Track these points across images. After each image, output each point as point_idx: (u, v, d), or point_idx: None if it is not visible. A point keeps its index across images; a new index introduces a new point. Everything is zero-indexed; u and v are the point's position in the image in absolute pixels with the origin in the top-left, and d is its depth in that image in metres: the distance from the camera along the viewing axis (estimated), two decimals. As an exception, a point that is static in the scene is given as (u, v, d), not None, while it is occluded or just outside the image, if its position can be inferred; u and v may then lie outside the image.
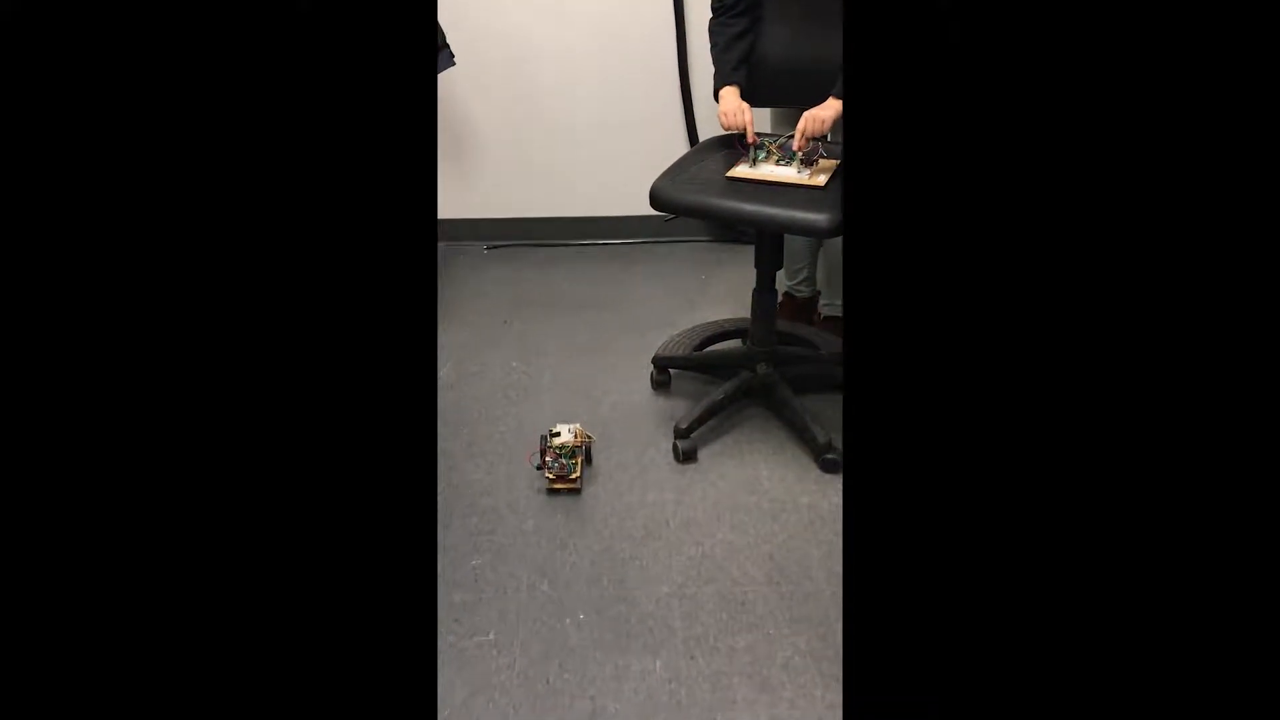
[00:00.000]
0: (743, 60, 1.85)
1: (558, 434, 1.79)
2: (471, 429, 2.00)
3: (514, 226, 2.87)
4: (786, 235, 1.95)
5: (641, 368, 2.18)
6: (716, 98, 1.85)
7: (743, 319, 2.15)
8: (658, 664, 1.42)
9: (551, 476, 1.77)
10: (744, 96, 1.84)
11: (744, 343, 2.17)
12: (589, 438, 1.85)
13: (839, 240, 2.14)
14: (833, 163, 1.79)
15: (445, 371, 2.23)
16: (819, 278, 2.31)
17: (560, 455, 1.76)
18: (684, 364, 2.16)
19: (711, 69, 1.91)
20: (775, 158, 1.80)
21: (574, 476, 1.77)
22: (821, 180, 1.73)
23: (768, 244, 1.86)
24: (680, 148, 2.51)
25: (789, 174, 1.76)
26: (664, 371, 2.13)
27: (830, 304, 2.29)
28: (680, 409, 2.00)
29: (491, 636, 1.47)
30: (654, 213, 1.80)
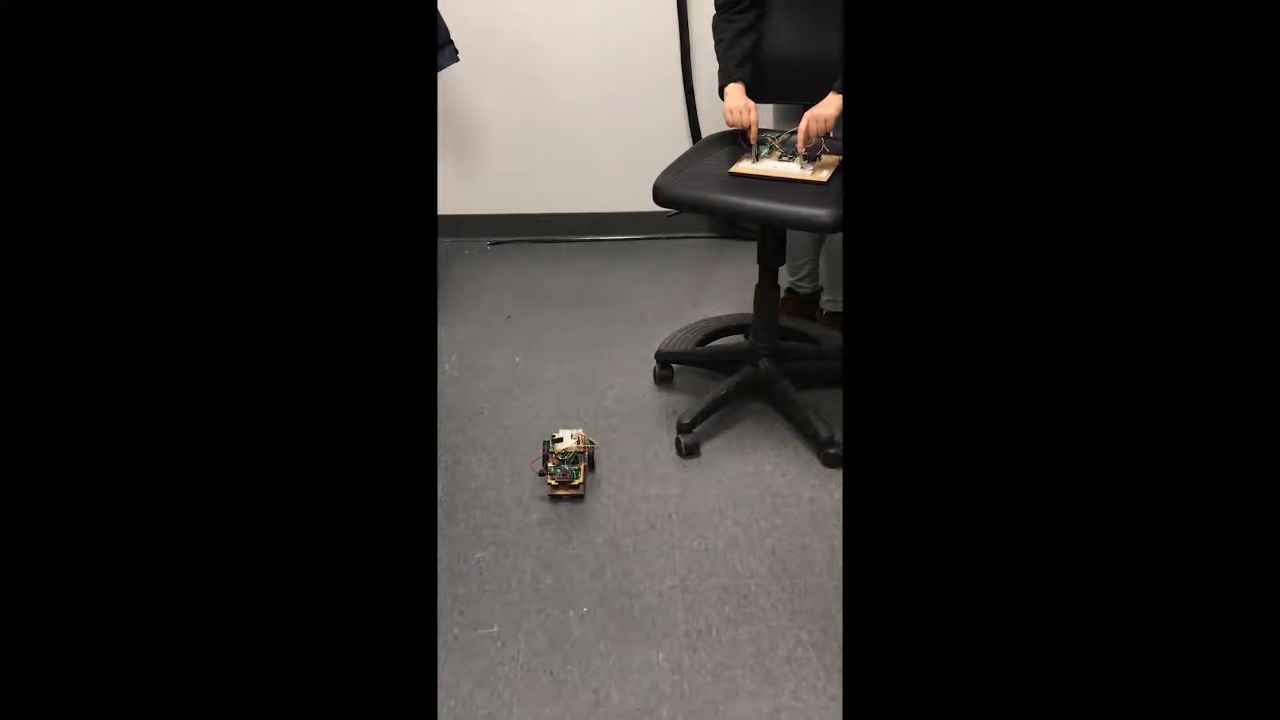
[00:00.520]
0: (747, 56, 1.86)
1: (559, 439, 1.78)
2: (475, 424, 2.01)
3: (517, 222, 2.88)
4: (789, 231, 1.96)
5: (644, 363, 2.19)
6: (721, 94, 1.86)
7: (745, 315, 2.16)
8: (660, 656, 1.43)
9: (554, 483, 1.75)
10: (748, 92, 1.85)
11: (746, 338, 2.18)
12: (591, 443, 1.83)
13: (841, 236, 2.15)
14: (835, 158, 1.79)
15: (448, 366, 2.23)
16: (821, 274, 2.32)
17: (563, 461, 1.75)
18: (687, 359, 2.17)
19: (714, 66, 1.91)
20: (778, 153, 1.81)
21: (576, 483, 1.75)
22: (824, 176, 1.73)
23: (770, 240, 1.87)
24: (683, 144, 2.52)
25: (792, 170, 1.76)
26: (667, 367, 2.14)
27: (832, 300, 2.29)
28: (683, 404, 2.01)
29: (495, 629, 1.48)
30: (656, 209, 1.81)
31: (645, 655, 1.43)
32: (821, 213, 1.62)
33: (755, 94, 1.86)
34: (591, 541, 1.66)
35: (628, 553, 1.64)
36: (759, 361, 1.97)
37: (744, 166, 1.79)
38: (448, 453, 1.91)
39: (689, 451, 1.88)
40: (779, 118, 2.09)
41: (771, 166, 1.78)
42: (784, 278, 2.22)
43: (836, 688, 1.37)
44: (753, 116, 1.81)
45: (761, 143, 1.82)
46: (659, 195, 1.76)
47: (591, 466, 1.83)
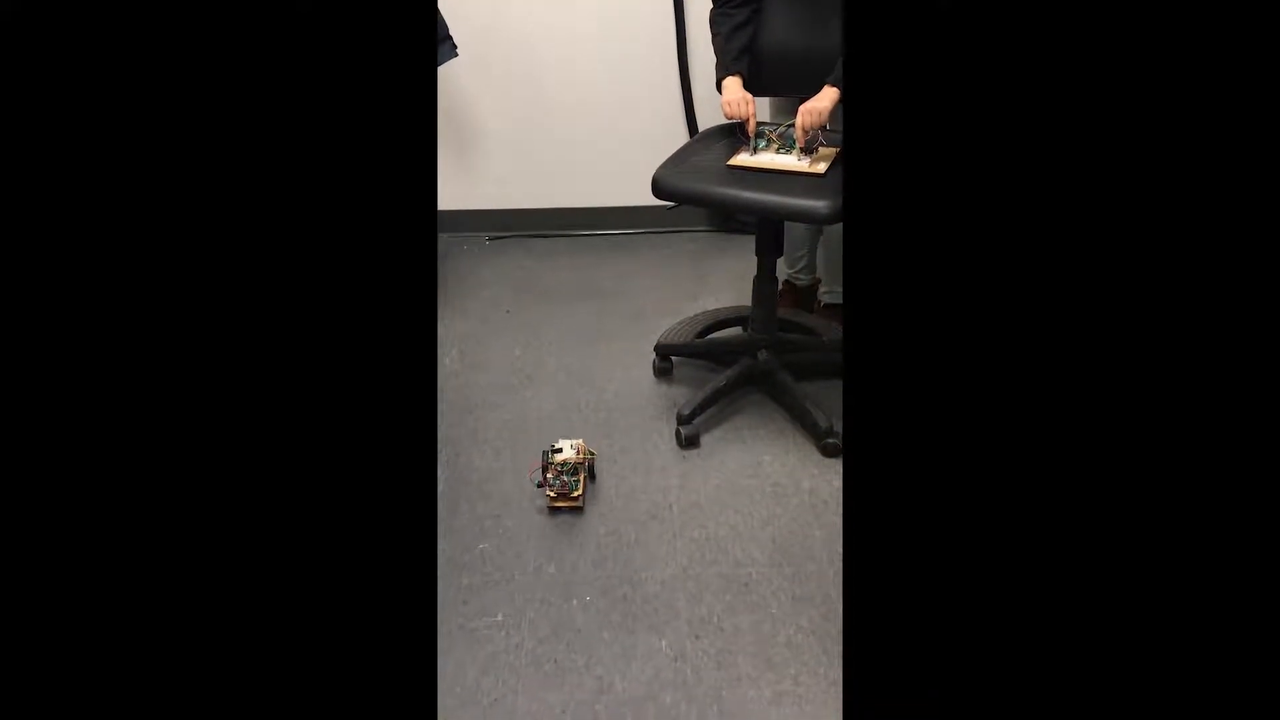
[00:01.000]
0: (744, 50, 1.87)
1: (559, 450, 1.74)
2: (476, 417, 2.03)
3: (515, 218, 2.89)
4: (786, 224, 1.97)
5: (644, 355, 2.20)
6: (719, 88, 1.87)
7: (743, 307, 2.17)
8: (663, 643, 1.45)
9: (552, 494, 1.71)
10: (745, 86, 1.86)
11: (745, 330, 2.19)
12: (591, 454, 1.79)
13: (839, 228, 2.16)
14: (832, 150, 1.81)
15: (449, 360, 2.25)
16: (819, 266, 2.34)
17: (562, 472, 1.71)
18: (686, 351, 2.18)
19: (710, 60, 1.93)
20: (776, 146, 1.82)
21: (575, 495, 1.71)
22: (821, 168, 1.75)
23: (768, 231, 1.88)
24: (680, 139, 2.53)
25: (789, 162, 1.78)
26: (666, 359, 2.15)
27: (830, 291, 2.31)
28: (682, 396, 2.02)
29: (499, 618, 1.50)
30: (654, 203, 1.82)
31: (648, 642, 1.45)
32: (819, 204, 1.63)
33: (752, 87, 1.87)
34: (593, 532, 1.67)
35: (629, 542, 1.65)
36: (758, 353, 1.98)
37: (742, 159, 1.81)
38: (449, 445, 1.93)
39: (689, 442, 1.90)
40: (776, 111, 2.10)
41: (769, 159, 1.80)
42: (782, 270, 2.23)
43: (837, 673, 1.39)
44: (751, 109, 1.83)
45: (759, 136, 1.84)
46: (658, 188, 1.78)
47: (592, 476, 1.79)
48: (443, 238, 2.87)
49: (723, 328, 2.28)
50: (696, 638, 1.46)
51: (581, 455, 1.75)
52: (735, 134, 1.90)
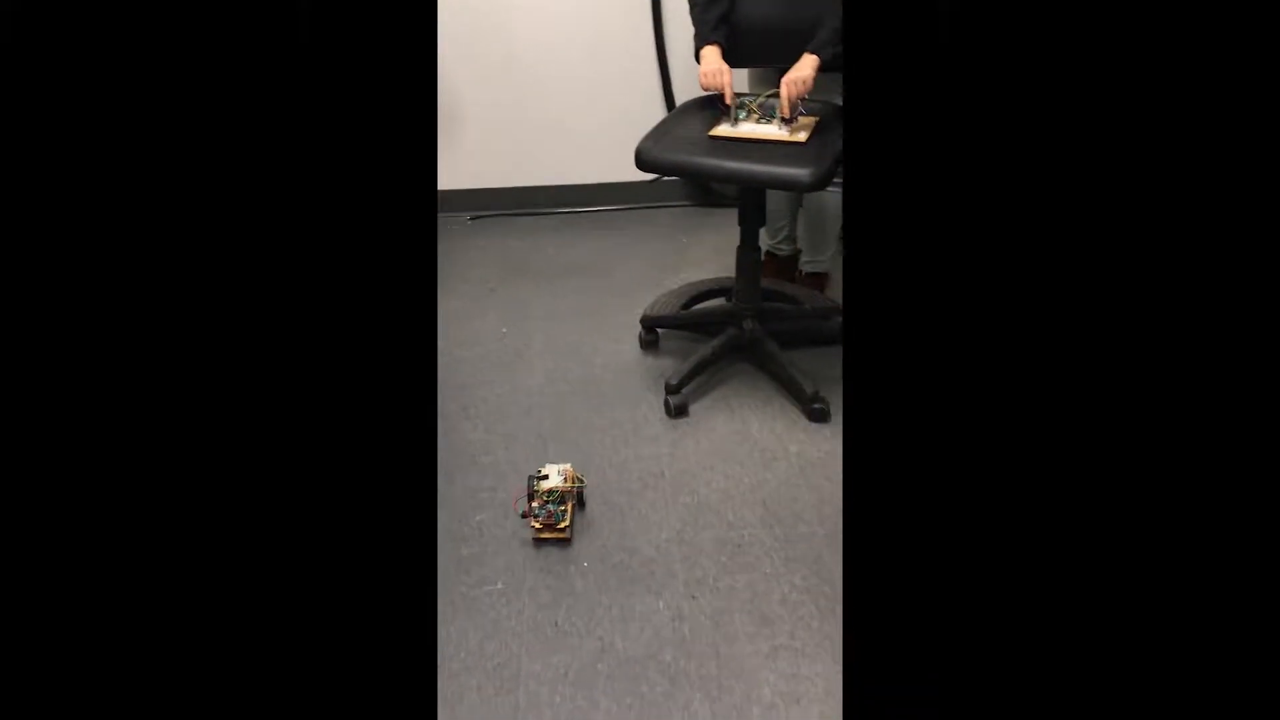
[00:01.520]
0: (722, 19, 1.89)
1: (544, 476, 1.62)
2: (467, 392, 2.04)
3: (497, 196, 2.90)
4: (768, 196, 2.00)
5: (629, 329, 2.23)
6: (697, 58, 1.89)
7: (726, 279, 2.20)
8: (661, 604, 1.48)
9: (538, 525, 1.58)
10: (724, 57, 1.88)
11: (729, 300, 2.22)
12: (580, 481, 1.65)
13: (818, 199, 2.20)
14: (812, 119, 1.83)
15: (436, 338, 2.26)
16: (799, 236, 2.37)
17: (548, 501, 1.59)
18: (671, 323, 2.21)
19: (687, 36, 1.95)
20: (756, 116, 1.85)
21: (562, 526, 1.59)
22: (802, 136, 1.77)
23: (751, 201, 1.91)
24: (657, 114, 2.54)
25: (771, 131, 1.80)
26: (652, 331, 2.18)
27: (811, 261, 2.34)
28: (669, 367, 2.05)
29: (500, 586, 1.53)
30: (634, 179, 1.84)
31: (646, 604, 1.48)
32: (802, 171, 1.66)
33: (731, 58, 1.89)
34: (588, 499, 1.70)
35: (623, 510, 1.68)
36: (743, 322, 2.01)
37: (723, 130, 1.83)
38: (442, 420, 1.95)
39: (678, 412, 1.93)
40: (754, 81, 2.12)
41: (750, 129, 1.82)
42: (763, 240, 2.26)
43: (830, 627, 1.43)
44: (727, 78, 1.84)
45: (740, 106, 1.86)
46: (641, 161, 1.80)
47: (581, 505, 1.68)
48: (424, 218, 2.88)
49: (707, 299, 2.31)
50: (693, 598, 1.49)
51: (570, 482, 1.63)
52: (714, 105, 1.92)
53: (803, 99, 1.80)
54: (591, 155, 2.82)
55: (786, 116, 1.79)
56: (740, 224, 1.93)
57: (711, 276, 2.41)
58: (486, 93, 2.75)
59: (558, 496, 1.60)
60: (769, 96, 1.84)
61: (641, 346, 2.19)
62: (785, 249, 2.38)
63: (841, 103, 1.83)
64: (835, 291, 2.35)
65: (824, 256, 2.32)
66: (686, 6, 1.96)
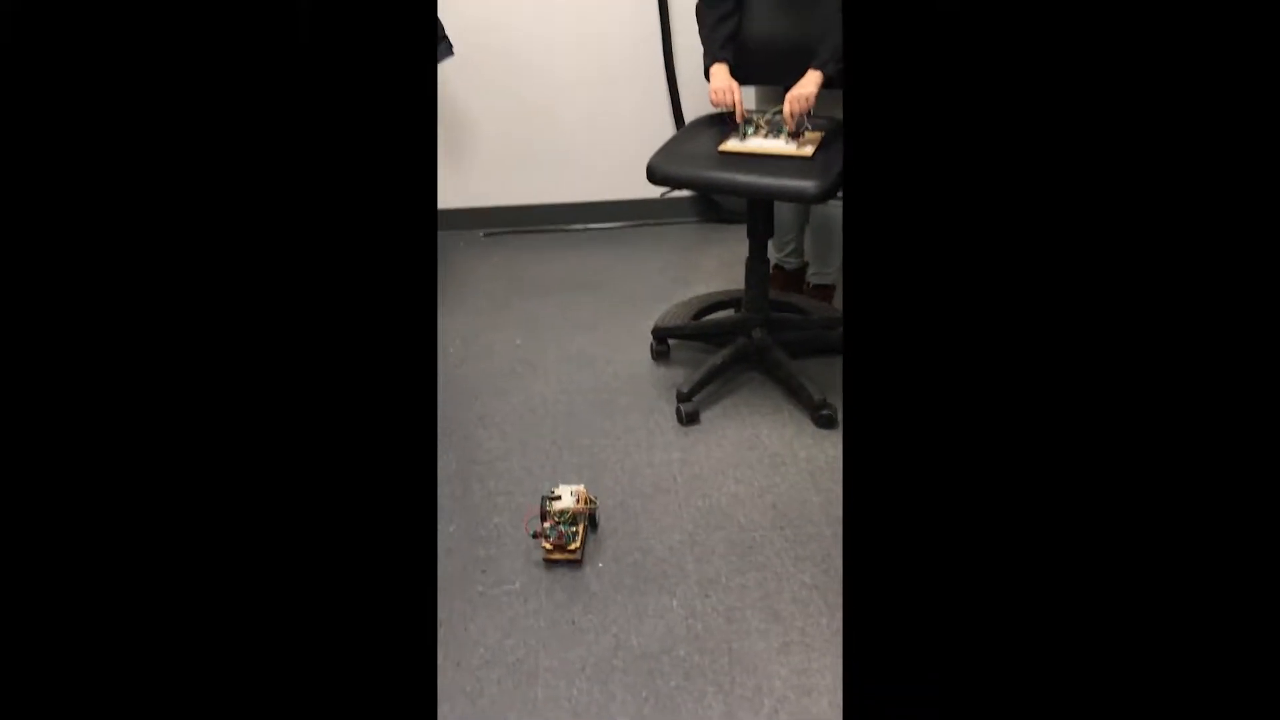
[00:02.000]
0: (729, 39, 1.96)
1: (557, 497, 1.63)
2: (482, 401, 2.10)
3: (510, 214, 2.96)
4: (775, 210, 2.06)
5: (641, 340, 2.28)
6: (707, 76, 1.96)
7: (736, 291, 2.26)
8: (674, 603, 1.52)
9: (549, 546, 1.59)
10: (731, 74, 1.94)
11: (738, 311, 2.27)
12: (592, 502, 1.67)
13: (825, 213, 2.25)
14: (818, 135, 1.89)
15: (453, 350, 2.32)
16: (807, 250, 2.42)
17: (559, 522, 1.60)
18: (682, 333, 2.26)
19: (696, 56, 2.01)
20: (764, 131, 1.91)
21: (573, 547, 1.59)
22: (808, 151, 1.83)
23: (759, 213, 1.97)
24: (666, 133, 2.61)
25: (778, 146, 1.86)
26: (663, 342, 2.23)
27: (818, 273, 2.39)
28: (680, 376, 2.10)
29: (517, 585, 1.57)
30: (644, 196, 1.89)
31: (660, 602, 1.52)
32: (808, 184, 1.72)
33: (738, 77, 1.96)
34: (603, 504, 1.74)
35: (637, 513, 1.73)
36: (752, 332, 2.06)
37: (732, 145, 1.89)
38: (459, 428, 2.00)
39: (689, 419, 1.97)
40: (761, 99, 2.18)
41: (758, 144, 1.88)
42: (772, 254, 2.31)
43: (840, 622, 1.46)
44: (737, 95, 1.91)
45: (748, 123, 1.92)
46: (653, 175, 1.86)
47: (594, 526, 1.68)
48: (439, 235, 2.94)
49: (716, 310, 2.36)
50: (706, 596, 1.53)
51: (583, 503, 1.64)
52: (723, 122, 1.98)
53: (808, 114, 1.86)
54: (603, 173, 2.89)
55: (792, 131, 1.85)
56: (749, 235, 1.99)
57: (721, 288, 2.46)
58: (500, 113, 2.82)
59: (569, 517, 1.61)
60: (775, 113, 1.90)
61: (653, 357, 2.24)
62: (793, 262, 2.43)
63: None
64: (842, 303, 2.40)
65: (831, 269, 2.37)
66: (695, 27, 2.03)
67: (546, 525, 1.60)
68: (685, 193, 2.81)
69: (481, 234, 2.96)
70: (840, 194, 1.79)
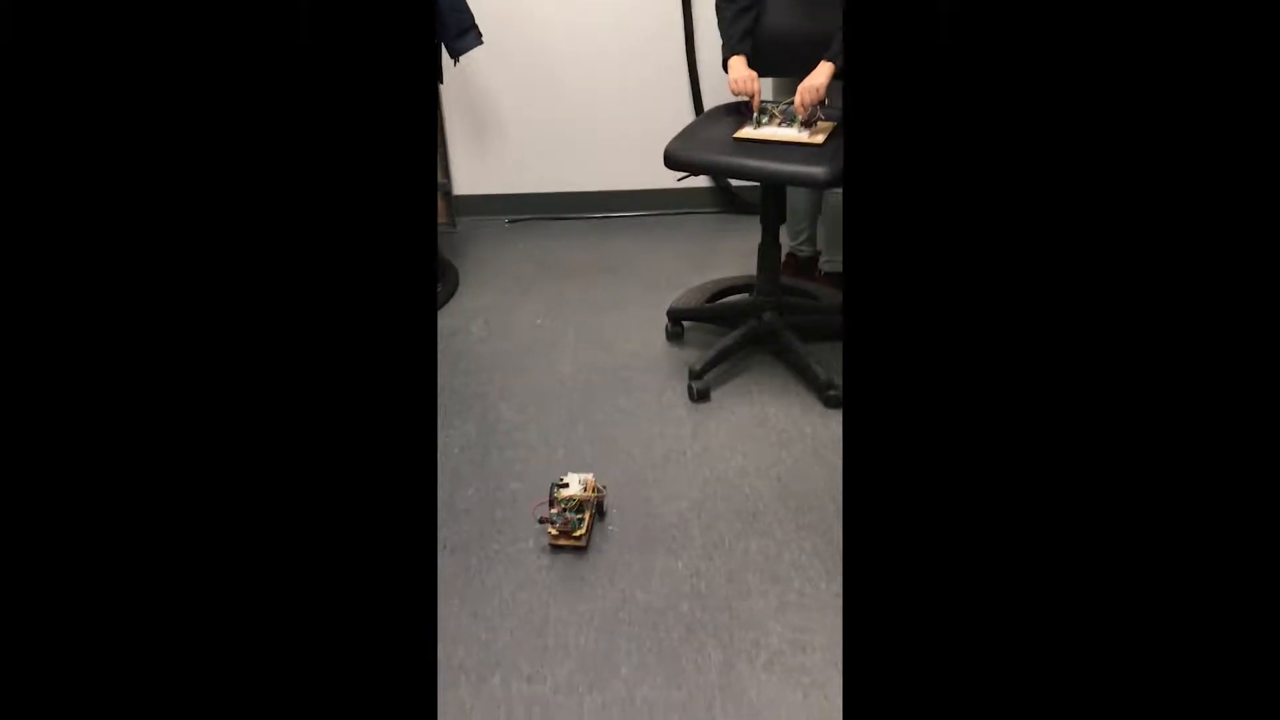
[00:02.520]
0: (747, 32, 2.03)
1: (565, 485, 1.67)
2: (504, 375, 2.18)
3: (533, 200, 3.05)
4: (789, 200, 2.13)
5: (656, 323, 2.35)
6: (725, 67, 2.03)
7: (750, 277, 2.33)
8: (679, 564, 1.60)
9: (554, 531, 1.62)
10: (749, 65, 2.02)
11: (751, 295, 2.34)
12: (601, 491, 1.70)
13: (837, 203, 2.32)
14: (830, 124, 1.96)
15: (475, 328, 2.41)
16: (819, 238, 2.49)
17: (566, 509, 1.63)
18: (696, 315, 2.34)
19: (716, 50, 2.09)
20: (778, 120, 1.98)
21: (578, 533, 1.62)
22: (820, 139, 1.90)
23: (772, 198, 2.04)
24: (686, 124, 2.69)
25: (791, 134, 1.93)
26: (678, 323, 2.31)
27: (830, 261, 2.46)
28: (694, 356, 2.17)
29: (531, 544, 1.66)
30: (664, 185, 1.97)
31: (666, 563, 1.60)
32: (819, 169, 1.79)
33: (755, 68, 2.03)
34: (615, 473, 1.82)
35: (647, 482, 1.81)
36: (763, 315, 2.13)
37: (747, 132, 1.96)
38: (480, 400, 2.09)
39: (700, 396, 2.05)
40: (777, 89, 2.26)
41: (772, 132, 1.95)
42: (785, 242, 2.39)
43: (837, 586, 1.54)
44: (756, 85, 1.98)
45: (763, 112, 2.00)
46: (670, 160, 1.94)
47: (601, 514, 1.71)
48: (464, 220, 3.04)
49: (730, 294, 2.44)
50: (710, 558, 1.61)
51: (590, 491, 1.67)
52: (739, 111, 2.06)
53: (821, 104, 1.93)
54: (624, 162, 2.97)
55: (804, 120, 1.93)
56: (762, 220, 2.06)
57: (735, 275, 2.54)
58: (525, 102, 2.91)
59: (575, 505, 1.65)
60: (789, 103, 1.97)
61: (668, 338, 2.31)
62: (806, 250, 2.50)
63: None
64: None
65: (842, 257, 2.44)
66: (715, 20, 2.10)
67: (554, 511, 1.64)
68: (703, 181, 2.89)
69: (506, 220, 3.05)
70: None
